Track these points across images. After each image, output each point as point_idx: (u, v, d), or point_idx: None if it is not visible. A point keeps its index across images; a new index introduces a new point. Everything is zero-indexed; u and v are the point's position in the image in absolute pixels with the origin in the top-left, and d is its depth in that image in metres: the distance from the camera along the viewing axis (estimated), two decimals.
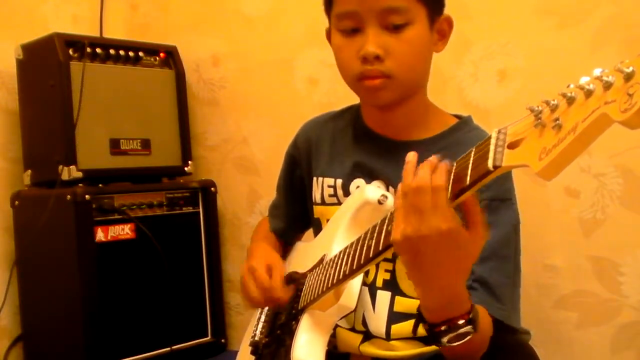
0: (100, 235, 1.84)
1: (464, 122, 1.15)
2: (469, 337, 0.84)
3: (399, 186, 0.81)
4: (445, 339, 0.85)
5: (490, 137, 0.72)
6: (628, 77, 0.56)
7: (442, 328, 0.84)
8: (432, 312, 0.86)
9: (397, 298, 1.09)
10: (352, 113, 1.24)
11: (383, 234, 0.88)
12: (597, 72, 0.60)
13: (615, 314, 1.48)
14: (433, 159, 0.79)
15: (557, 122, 0.62)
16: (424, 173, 0.78)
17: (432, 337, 0.87)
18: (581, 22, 1.48)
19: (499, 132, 0.71)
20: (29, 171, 2.00)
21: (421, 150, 1.10)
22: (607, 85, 0.58)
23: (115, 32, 2.32)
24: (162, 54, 2.12)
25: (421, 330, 1.02)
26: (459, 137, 1.10)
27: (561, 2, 1.52)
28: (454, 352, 0.89)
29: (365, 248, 0.92)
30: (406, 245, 0.79)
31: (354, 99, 1.20)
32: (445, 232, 0.76)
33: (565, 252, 1.54)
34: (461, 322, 0.84)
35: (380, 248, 0.88)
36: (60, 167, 1.86)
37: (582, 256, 1.51)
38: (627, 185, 1.46)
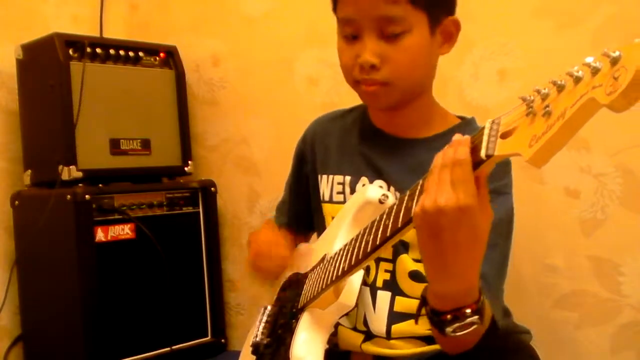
0: (100, 235, 1.84)
1: (465, 122, 1.16)
2: (474, 328, 0.83)
3: (432, 164, 0.79)
4: (450, 329, 0.83)
5: (484, 128, 0.73)
6: (614, 61, 0.57)
7: (448, 317, 0.83)
8: (440, 299, 0.84)
9: (397, 298, 1.09)
10: (359, 111, 1.25)
11: (381, 229, 0.88)
12: (588, 60, 0.61)
13: (615, 314, 1.48)
14: (456, 136, 0.78)
15: (547, 109, 0.63)
16: (448, 151, 0.77)
17: (435, 325, 0.86)
18: (581, 22, 1.48)
19: (493, 122, 0.72)
20: (29, 171, 2.00)
21: (424, 147, 1.11)
22: (595, 71, 0.59)
23: (115, 32, 2.32)
24: (162, 54, 2.12)
25: (422, 321, 1.01)
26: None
27: (561, 2, 1.52)
28: (452, 342, 0.89)
29: (363, 244, 0.92)
30: (422, 218, 0.77)
31: (354, 99, 1.20)
32: (465, 208, 0.74)
33: (565, 252, 1.54)
34: (468, 311, 0.83)
35: (378, 242, 0.88)
36: (60, 167, 1.86)
37: (582, 256, 1.51)
38: (627, 185, 1.46)
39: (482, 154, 0.71)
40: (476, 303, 0.83)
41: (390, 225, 0.86)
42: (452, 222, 0.75)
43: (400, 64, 1.05)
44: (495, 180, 1.01)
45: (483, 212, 0.77)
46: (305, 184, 1.30)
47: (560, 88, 0.63)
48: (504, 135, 0.70)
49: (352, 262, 0.94)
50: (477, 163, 0.73)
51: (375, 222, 0.91)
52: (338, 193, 1.19)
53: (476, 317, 0.83)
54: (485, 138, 0.72)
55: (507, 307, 1.13)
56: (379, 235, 0.88)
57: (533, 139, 0.64)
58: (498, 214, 1.02)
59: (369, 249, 0.90)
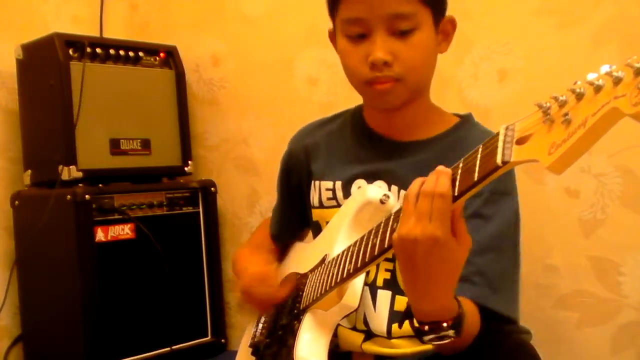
0: (100, 235, 1.84)
1: (464, 120, 1.16)
2: (449, 340, 0.87)
3: (408, 190, 0.83)
4: (427, 338, 0.87)
5: (498, 134, 0.72)
6: (638, 71, 0.57)
7: (426, 328, 0.87)
8: (420, 313, 0.88)
9: (398, 297, 1.09)
10: (347, 117, 1.25)
11: (388, 232, 0.88)
12: (604, 68, 0.61)
13: (615, 314, 1.48)
14: (439, 167, 0.81)
15: (567, 117, 0.63)
16: (430, 180, 0.80)
17: (415, 333, 0.89)
18: (581, 22, 1.48)
19: (507, 128, 0.72)
20: (29, 171, 1.99)
21: (424, 149, 1.11)
22: (617, 81, 0.59)
23: (115, 32, 2.32)
24: (162, 54, 2.12)
25: (406, 327, 1.04)
26: (461, 135, 1.11)
27: (561, 2, 1.52)
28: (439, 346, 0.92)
29: (370, 246, 0.92)
30: (399, 245, 0.82)
31: (354, 99, 1.20)
32: (439, 240, 0.78)
33: (565, 252, 1.54)
34: (445, 325, 0.86)
35: (386, 246, 0.89)
36: (60, 167, 1.86)
37: (582, 256, 1.52)
38: (627, 185, 1.46)
39: (498, 160, 0.71)
40: (453, 319, 0.87)
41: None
42: (426, 252, 0.79)
43: (411, 61, 1.05)
44: (496, 180, 1.01)
45: (460, 242, 0.80)
46: (295, 192, 1.30)
47: (579, 96, 0.62)
48: (520, 142, 0.69)
49: (359, 265, 0.94)
50: (492, 170, 0.72)
51: (383, 225, 0.91)
52: (329, 199, 1.19)
53: (452, 331, 0.86)
54: (500, 144, 0.71)
55: None
56: (387, 239, 0.89)
57: (552, 147, 0.64)
58: (502, 218, 1.04)
59: (376, 252, 0.91)
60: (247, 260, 1.29)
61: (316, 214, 1.23)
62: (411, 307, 0.89)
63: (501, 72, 1.61)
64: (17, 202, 2.00)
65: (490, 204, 1.03)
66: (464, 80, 1.66)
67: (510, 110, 1.57)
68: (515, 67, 1.58)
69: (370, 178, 1.14)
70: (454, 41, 1.15)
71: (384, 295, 1.10)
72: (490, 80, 1.62)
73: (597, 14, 1.46)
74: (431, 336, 0.87)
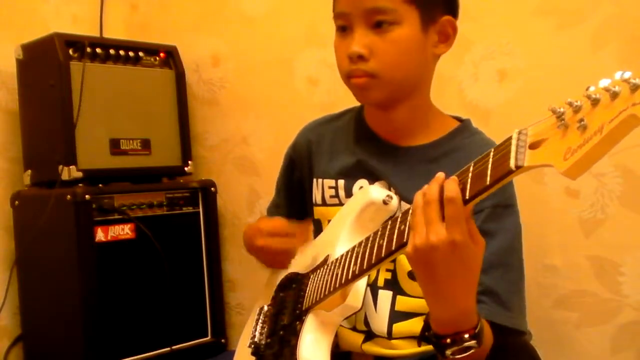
0: (100, 235, 1.84)
1: (464, 127, 1.15)
2: (472, 351, 0.86)
3: (413, 202, 0.83)
4: (449, 352, 0.87)
5: (510, 138, 0.72)
6: None
7: (448, 341, 0.86)
8: (440, 325, 0.87)
9: (399, 297, 1.10)
10: (352, 114, 1.25)
11: (396, 234, 0.88)
12: (619, 75, 0.61)
13: (615, 314, 1.48)
14: (440, 174, 0.82)
15: (582, 122, 0.63)
16: (432, 188, 0.81)
17: (436, 348, 0.88)
18: (581, 22, 1.48)
19: (520, 132, 0.71)
20: (29, 171, 1.99)
21: (422, 155, 1.11)
22: (634, 87, 0.59)
23: (115, 32, 2.32)
24: (162, 54, 2.12)
25: (409, 327, 1.03)
26: (459, 143, 1.11)
27: (561, 2, 1.52)
28: None
29: (376, 248, 0.92)
30: (418, 256, 0.81)
31: (353, 99, 1.20)
32: (458, 244, 0.78)
33: (565, 252, 1.54)
34: (466, 336, 0.86)
35: (394, 248, 0.88)
36: (60, 167, 1.86)
37: (582, 256, 1.52)
38: (627, 185, 1.46)
39: (512, 164, 0.70)
40: (474, 328, 0.86)
41: (406, 231, 0.87)
42: (446, 257, 0.79)
43: (388, 56, 1.06)
44: (499, 193, 1.02)
45: (475, 243, 0.81)
46: (297, 188, 1.30)
47: (594, 102, 0.62)
48: (533, 146, 0.69)
49: (364, 267, 0.94)
50: (505, 174, 0.72)
51: (389, 226, 0.91)
52: (331, 197, 1.19)
53: (474, 341, 0.86)
54: (513, 148, 0.71)
55: None
56: (394, 240, 0.88)
57: (568, 152, 0.64)
58: (508, 233, 1.04)
59: (383, 254, 0.91)
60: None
61: (318, 212, 1.23)
62: (430, 320, 0.89)
63: (501, 72, 1.61)
64: (17, 202, 2.00)
65: (494, 219, 1.03)
66: (464, 80, 1.66)
67: (510, 111, 1.57)
68: (515, 67, 1.58)
69: (370, 178, 1.14)
70: (454, 41, 1.14)
71: (385, 296, 1.10)
72: (490, 81, 1.62)
73: (597, 14, 1.46)
74: (454, 348, 0.86)
